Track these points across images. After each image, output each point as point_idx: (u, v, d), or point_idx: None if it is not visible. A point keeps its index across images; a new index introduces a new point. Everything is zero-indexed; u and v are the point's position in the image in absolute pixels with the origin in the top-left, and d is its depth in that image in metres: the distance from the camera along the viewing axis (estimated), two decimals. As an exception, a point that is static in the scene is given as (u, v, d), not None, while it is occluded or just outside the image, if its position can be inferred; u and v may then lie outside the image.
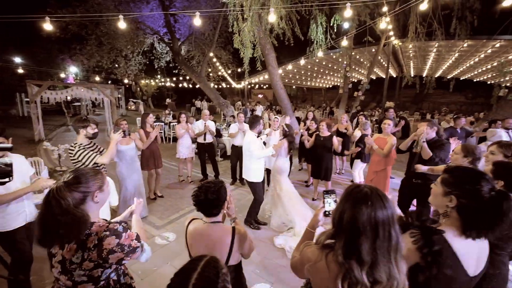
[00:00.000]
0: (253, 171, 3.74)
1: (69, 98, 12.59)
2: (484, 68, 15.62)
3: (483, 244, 1.20)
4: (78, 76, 20.47)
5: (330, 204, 1.40)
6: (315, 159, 4.88)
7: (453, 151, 2.60)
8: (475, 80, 21.15)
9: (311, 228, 1.42)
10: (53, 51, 17.38)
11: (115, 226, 1.28)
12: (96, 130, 3.04)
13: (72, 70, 19.56)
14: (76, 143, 2.89)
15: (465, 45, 11.01)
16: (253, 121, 3.74)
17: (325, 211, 1.40)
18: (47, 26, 4.92)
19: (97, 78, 18.05)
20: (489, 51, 11.62)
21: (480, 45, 11.07)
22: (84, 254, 1.19)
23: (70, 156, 2.87)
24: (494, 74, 16.83)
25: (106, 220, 1.33)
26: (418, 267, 1.16)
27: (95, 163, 2.87)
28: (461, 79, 20.17)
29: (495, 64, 13.56)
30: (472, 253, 1.17)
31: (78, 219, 1.18)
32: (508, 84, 11.63)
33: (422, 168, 3.01)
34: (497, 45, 10.57)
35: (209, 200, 1.55)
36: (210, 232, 1.60)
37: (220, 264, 0.95)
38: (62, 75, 18.95)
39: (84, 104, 18.23)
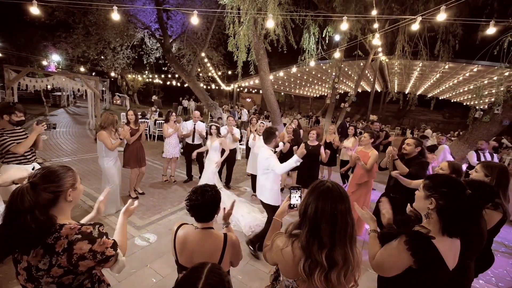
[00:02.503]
0: (269, 192, 3.26)
1: (49, 87, 12.02)
2: (461, 90, 16.52)
3: (457, 241, 1.36)
4: (61, 65, 19.60)
5: (296, 198, 1.58)
6: (301, 167, 4.90)
7: (439, 168, 2.69)
8: (452, 101, 22.30)
9: (278, 218, 1.59)
10: (35, 36, 16.59)
11: (89, 230, 1.15)
12: (22, 118, 2.92)
13: (55, 58, 18.70)
14: None
15: (447, 67, 11.62)
16: (268, 136, 3.28)
17: (290, 204, 1.57)
18: (34, 10, 4.67)
19: (82, 69, 17.31)
20: (467, 74, 12.37)
21: (460, 68, 11.76)
22: (52, 260, 1.08)
23: None
24: (470, 96, 17.86)
25: (78, 223, 1.21)
26: (411, 271, 1.30)
27: (8, 151, 2.73)
28: (440, 98, 21.21)
29: (471, 87, 14.42)
30: (450, 250, 1.32)
31: (38, 225, 1.07)
32: (482, 107, 12.38)
33: (394, 173, 3.24)
34: (475, 69, 11.27)
35: (206, 204, 1.50)
36: (202, 239, 1.54)
37: (223, 271, 0.93)
38: (44, 63, 18.09)
39: (65, 94, 17.47)
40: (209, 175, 4.55)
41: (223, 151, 4.80)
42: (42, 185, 1.13)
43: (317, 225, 1.14)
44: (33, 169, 2.93)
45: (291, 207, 1.57)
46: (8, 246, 1.09)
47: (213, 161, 4.62)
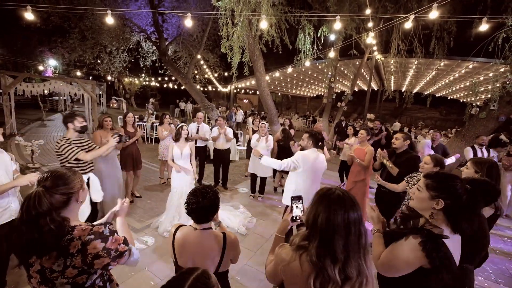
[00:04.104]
0: None
1: (46, 92, 11.99)
2: (457, 87, 16.59)
3: (459, 237, 1.36)
4: (58, 70, 19.57)
5: (299, 209, 1.46)
6: None
7: (424, 162, 2.71)
8: (449, 98, 22.38)
9: (280, 234, 1.45)
10: (31, 42, 16.57)
11: (100, 229, 1.20)
12: (84, 124, 3.12)
13: (51, 63, 18.67)
14: (65, 137, 2.99)
15: (442, 64, 11.68)
16: (320, 140, 3.20)
17: (293, 217, 1.45)
18: (28, 15, 4.67)
19: (78, 73, 17.34)
20: (463, 71, 12.43)
21: (455, 65, 11.80)
22: (67, 261, 1.11)
23: (55, 149, 2.96)
24: (466, 93, 17.93)
25: (88, 223, 1.25)
26: (421, 271, 1.28)
27: (77, 159, 2.93)
28: (437, 96, 21.27)
29: (467, 84, 14.48)
30: (455, 246, 1.31)
31: (57, 226, 1.10)
32: (478, 103, 12.45)
33: (380, 182, 3.34)
34: (470, 66, 11.32)
35: (207, 206, 1.50)
36: (202, 239, 1.54)
37: (211, 280, 0.90)
38: (40, 68, 18.05)
39: (62, 99, 17.43)
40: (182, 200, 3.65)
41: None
42: (55, 188, 1.16)
43: (329, 237, 1.05)
44: (88, 179, 3.13)
45: (294, 219, 1.45)
46: (30, 249, 1.11)
47: (188, 172, 3.86)
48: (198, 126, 5.59)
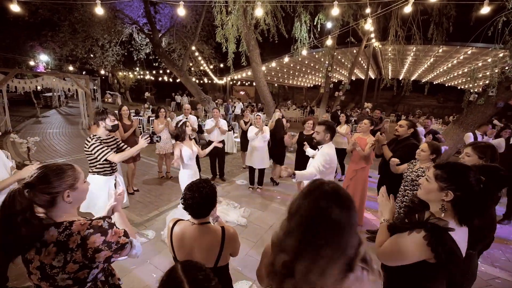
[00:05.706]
0: None
1: (39, 88, 11.79)
2: (455, 74, 16.50)
3: (466, 228, 1.31)
4: (50, 65, 19.20)
5: None
6: (298, 155, 5.03)
7: (420, 149, 2.65)
8: (447, 85, 22.32)
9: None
10: (21, 36, 16.13)
11: (99, 223, 1.18)
12: (115, 122, 3.03)
13: (43, 58, 18.29)
14: (95, 135, 2.89)
15: (440, 50, 11.56)
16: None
17: None
18: (14, 7, 4.51)
19: (71, 68, 17.00)
20: (462, 57, 12.32)
21: (454, 51, 11.70)
22: (67, 256, 1.08)
23: (85, 147, 2.86)
24: (464, 80, 17.86)
25: (87, 218, 1.21)
26: (425, 264, 1.25)
27: (106, 160, 2.86)
28: (435, 83, 21.17)
29: (465, 70, 14.40)
30: (463, 238, 1.27)
31: (29, 228, 1.05)
32: (476, 90, 12.42)
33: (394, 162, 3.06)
34: (469, 52, 11.22)
35: (203, 201, 1.47)
36: (200, 234, 1.51)
37: (200, 264, 0.91)
38: (32, 63, 17.69)
39: (56, 95, 17.17)
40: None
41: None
42: (38, 186, 1.10)
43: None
44: (115, 179, 3.09)
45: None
46: (6, 251, 1.07)
47: (196, 173, 3.46)
48: (186, 118, 5.53)
